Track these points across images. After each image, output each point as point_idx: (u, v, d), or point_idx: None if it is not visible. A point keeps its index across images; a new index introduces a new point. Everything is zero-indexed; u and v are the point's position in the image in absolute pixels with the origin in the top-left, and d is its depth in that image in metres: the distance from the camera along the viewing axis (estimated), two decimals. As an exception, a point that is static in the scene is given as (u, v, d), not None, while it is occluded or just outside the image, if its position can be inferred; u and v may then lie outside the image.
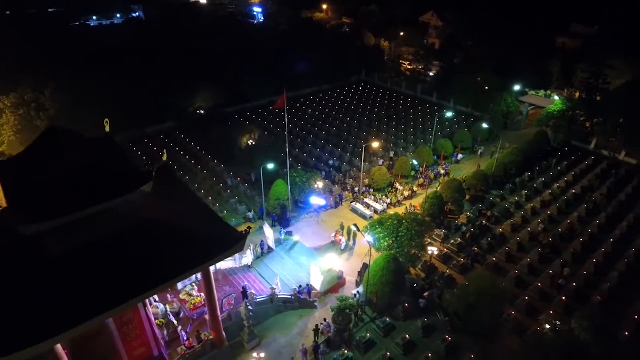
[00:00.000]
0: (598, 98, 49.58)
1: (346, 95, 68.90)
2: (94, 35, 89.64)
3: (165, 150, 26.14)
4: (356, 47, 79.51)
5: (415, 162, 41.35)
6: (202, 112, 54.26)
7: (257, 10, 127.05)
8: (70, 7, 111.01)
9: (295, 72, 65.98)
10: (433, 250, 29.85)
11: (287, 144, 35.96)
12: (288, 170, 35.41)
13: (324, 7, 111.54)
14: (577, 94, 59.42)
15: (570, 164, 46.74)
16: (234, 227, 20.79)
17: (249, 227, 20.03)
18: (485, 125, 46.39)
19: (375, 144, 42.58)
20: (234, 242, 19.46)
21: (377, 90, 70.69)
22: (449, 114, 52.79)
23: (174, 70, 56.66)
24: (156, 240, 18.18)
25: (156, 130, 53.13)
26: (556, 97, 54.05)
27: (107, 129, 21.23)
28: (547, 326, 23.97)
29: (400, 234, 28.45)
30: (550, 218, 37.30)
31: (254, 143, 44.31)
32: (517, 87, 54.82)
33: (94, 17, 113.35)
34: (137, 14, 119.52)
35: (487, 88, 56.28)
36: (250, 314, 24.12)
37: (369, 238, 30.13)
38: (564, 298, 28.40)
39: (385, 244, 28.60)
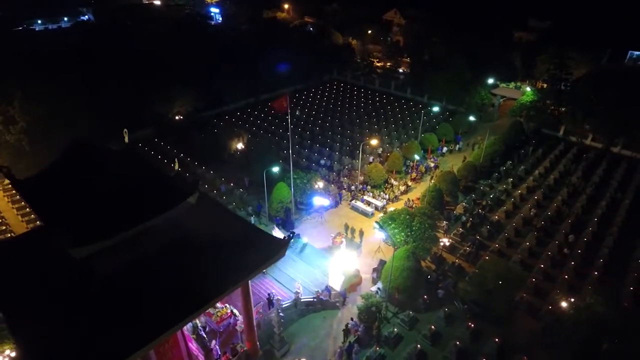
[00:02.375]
0: (563, 87, 53.04)
1: (322, 95, 69.07)
2: (44, 40, 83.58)
3: (176, 160, 25.13)
4: (325, 46, 79.75)
5: (417, 157, 42.28)
6: (181, 117, 52.29)
7: (215, 11, 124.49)
8: (8, 11, 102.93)
9: (268, 73, 65.14)
10: (444, 241, 30.72)
11: (290, 146, 35.46)
12: (291, 172, 35.02)
13: (286, 6, 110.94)
14: (540, 84, 63.24)
15: (544, 151, 49.73)
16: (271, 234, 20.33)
17: (292, 232, 19.68)
18: (472, 118, 48.26)
19: (374, 142, 42.99)
20: (276, 249, 19.06)
21: (352, 88, 71.41)
22: (436, 109, 54.32)
23: (142, 74, 53.92)
24: (199, 254, 17.45)
25: (133, 138, 49.87)
26: (528, 89, 57.32)
27: (126, 139, 20.00)
28: (564, 304, 25.38)
29: (414, 227, 29.05)
30: (537, 203, 39.53)
31: (243, 147, 43.35)
32: (490, 80, 57.42)
33: (39, 21, 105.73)
34: (86, 17, 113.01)
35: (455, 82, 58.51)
36: (282, 320, 23.72)
37: (381, 235, 30.71)
38: (566, 277, 30.28)
39: (400, 238, 29.05)
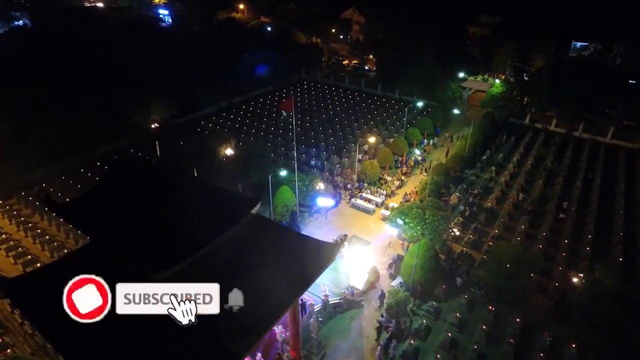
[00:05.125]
0: (526, 78, 56.71)
1: (294, 95, 68.43)
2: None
3: (195, 169, 24.09)
4: (290, 46, 79.06)
5: (417, 152, 43.34)
6: (157, 125, 49.78)
7: (163, 12, 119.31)
8: None
9: (238, 75, 63.46)
10: (454, 231, 31.87)
11: (295, 148, 35.07)
12: (296, 174, 34.68)
13: (241, 7, 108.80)
14: (500, 76, 67.06)
15: (516, 138, 52.93)
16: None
17: (345, 235, 19.54)
18: (456, 111, 50.23)
19: (372, 139, 43.49)
20: (328, 254, 18.87)
21: (322, 87, 71.56)
22: (420, 104, 55.81)
23: (105, 81, 50.23)
24: (261, 269, 16.91)
25: (108, 150, 47.18)
26: (497, 81, 60.65)
27: (159, 152, 18.86)
28: (575, 280, 27.32)
29: (427, 220, 29.84)
30: (522, 188, 42.04)
31: (232, 152, 42.11)
32: (461, 74, 60.03)
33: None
34: (21, 22, 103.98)
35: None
36: (321, 325, 23.55)
37: (391, 230, 31.30)
38: (563, 254, 32.54)
39: (416, 232, 29.73)
